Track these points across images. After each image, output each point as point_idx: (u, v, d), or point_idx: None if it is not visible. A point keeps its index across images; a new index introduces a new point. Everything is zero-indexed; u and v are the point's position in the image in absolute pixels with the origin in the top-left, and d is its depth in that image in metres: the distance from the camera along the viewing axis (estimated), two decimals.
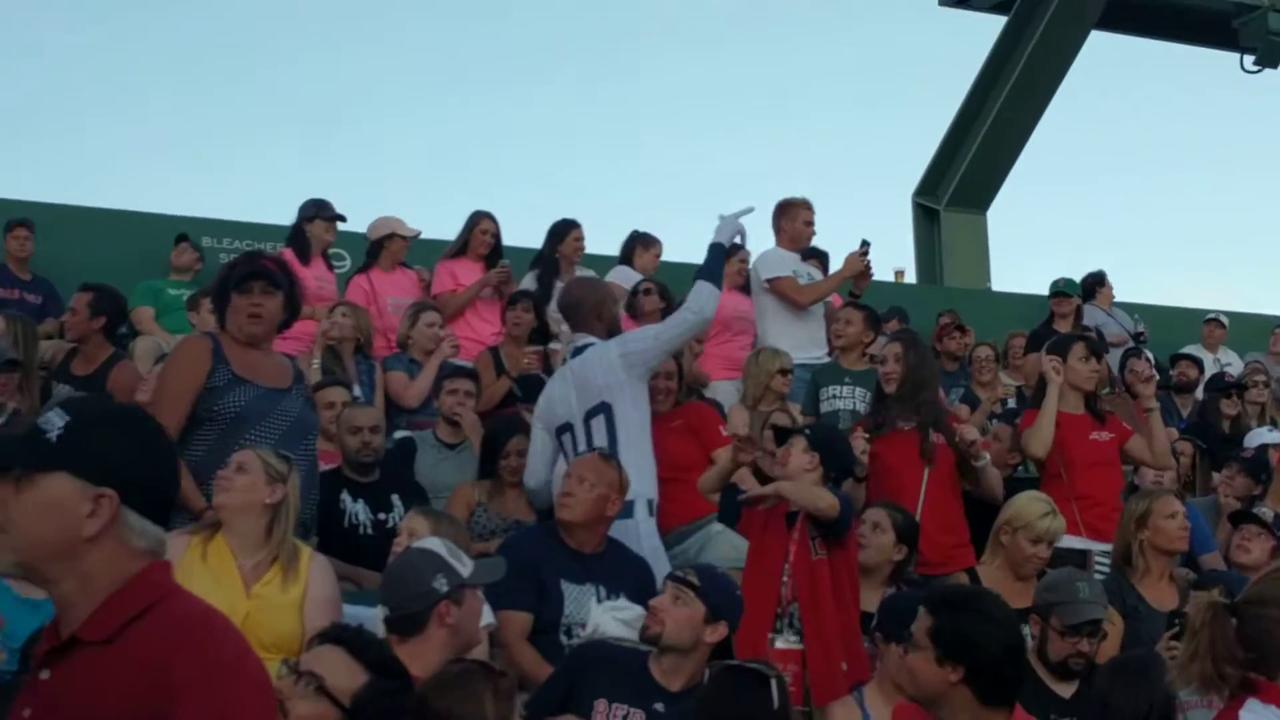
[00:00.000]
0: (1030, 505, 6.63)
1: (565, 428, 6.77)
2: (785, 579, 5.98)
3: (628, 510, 6.39)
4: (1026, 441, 7.57)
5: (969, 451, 7.22)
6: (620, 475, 6.13)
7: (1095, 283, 13.74)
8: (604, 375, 6.67)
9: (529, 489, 7.10)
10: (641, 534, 6.47)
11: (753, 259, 9.88)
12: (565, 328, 8.18)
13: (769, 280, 9.73)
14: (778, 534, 6.07)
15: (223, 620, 2.89)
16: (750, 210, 8.91)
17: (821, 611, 5.92)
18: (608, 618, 5.55)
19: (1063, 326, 11.33)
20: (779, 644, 5.80)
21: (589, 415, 6.66)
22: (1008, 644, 4.12)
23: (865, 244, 9.67)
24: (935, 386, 7.60)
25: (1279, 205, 35.34)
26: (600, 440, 6.59)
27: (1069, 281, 12.30)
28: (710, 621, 5.10)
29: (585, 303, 7.12)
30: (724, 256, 6.98)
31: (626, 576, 5.97)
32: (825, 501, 5.97)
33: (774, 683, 4.56)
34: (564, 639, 5.85)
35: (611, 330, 7.11)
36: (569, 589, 5.92)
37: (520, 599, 5.81)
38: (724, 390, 9.41)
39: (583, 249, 10.63)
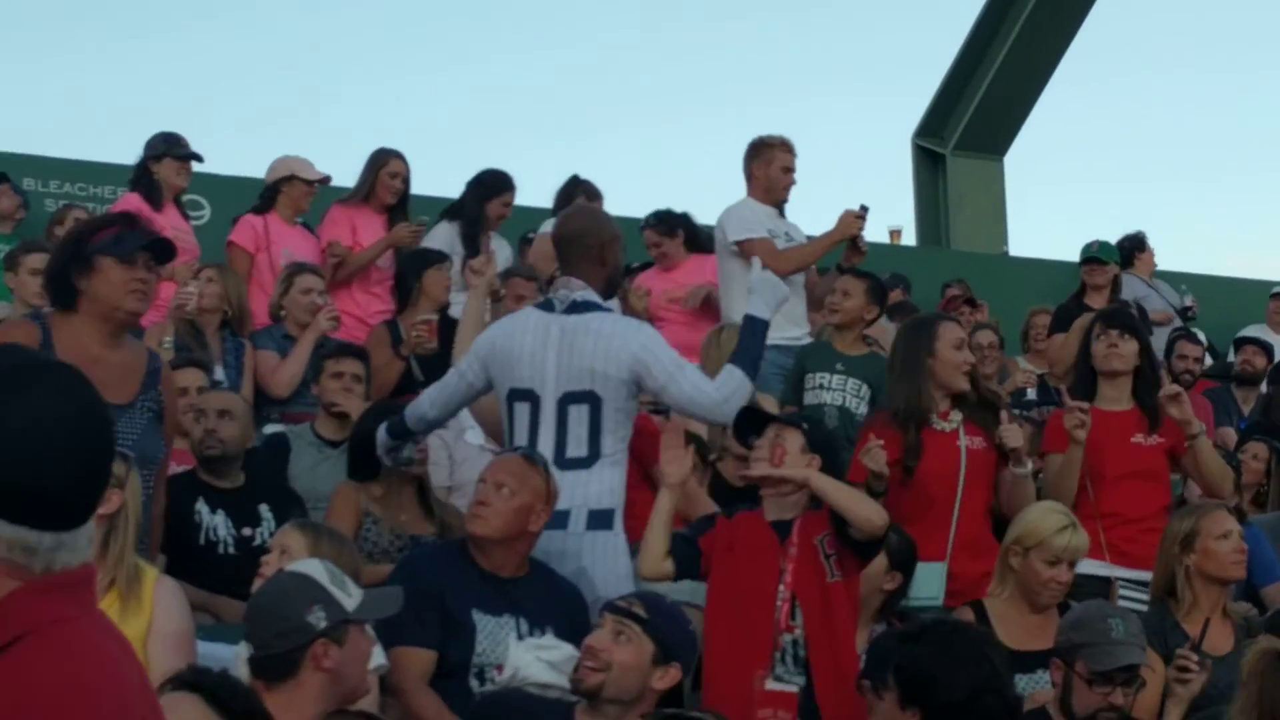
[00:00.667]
0: (1044, 519, 6.65)
1: (525, 395, 6.59)
2: (779, 603, 5.99)
3: (606, 521, 6.43)
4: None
5: (1012, 455, 7.29)
6: (548, 483, 6.13)
7: (1134, 247, 13.86)
8: (605, 362, 6.52)
9: (420, 415, 6.93)
10: (620, 550, 6.45)
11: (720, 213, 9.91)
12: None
13: (738, 242, 9.75)
14: (764, 549, 6.07)
15: (100, 691, 2.51)
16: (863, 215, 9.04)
17: (839, 645, 5.94)
18: (530, 658, 5.55)
19: (1096, 301, 11.34)
20: (770, 685, 5.81)
21: (568, 399, 6.56)
22: (973, 687, 4.17)
23: (864, 208, 9.68)
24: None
25: None
26: (578, 432, 6.51)
27: (1104, 245, 12.33)
28: (659, 663, 5.12)
29: (589, 238, 6.81)
30: (765, 335, 6.81)
31: (553, 606, 5.97)
32: (875, 511, 5.97)
33: None
34: (475, 684, 5.84)
35: (612, 282, 6.93)
36: (482, 621, 5.91)
37: (421, 633, 5.80)
38: None
39: (508, 216, 10.71)
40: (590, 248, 6.78)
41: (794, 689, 5.80)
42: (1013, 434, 7.31)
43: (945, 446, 7.37)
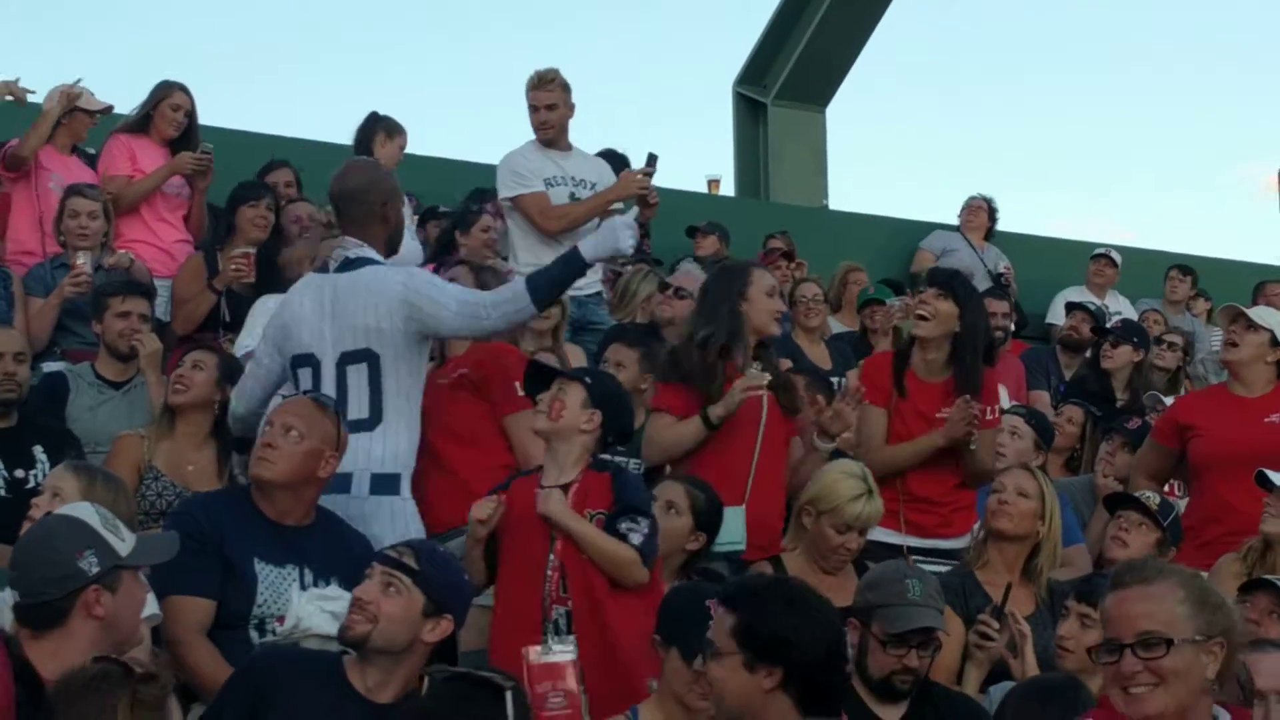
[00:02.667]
0: (839, 484, 6.74)
1: (307, 360, 6.62)
2: (549, 573, 6.03)
3: (392, 485, 6.44)
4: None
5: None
6: (339, 428, 6.11)
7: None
8: (376, 315, 6.54)
9: (234, 415, 6.99)
10: (409, 514, 6.48)
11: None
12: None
13: (508, 199, 9.77)
14: (537, 518, 6.09)
15: None
16: (650, 171, 8.95)
17: (604, 615, 5.97)
18: (313, 608, 5.53)
19: (881, 344, 11.19)
20: (541, 658, 5.80)
21: (346, 359, 6.56)
22: (829, 642, 4.25)
23: (652, 159, 9.58)
24: None
25: (1175, 120, 36.23)
26: (358, 394, 6.51)
27: (881, 286, 12.23)
28: (431, 615, 5.11)
29: (369, 195, 6.81)
30: (575, 274, 6.85)
31: (340, 556, 5.93)
32: (623, 572, 5.98)
33: (510, 695, 4.59)
34: (255, 635, 5.81)
35: (394, 240, 6.91)
36: (264, 570, 5.86)
37: (198, 581, 5.75)
38: None
39: (290, 195, 10.68)
40: (372, 205, 6.80)
41: (567, 658, 5.80)
42: (841, 418, 7.38)
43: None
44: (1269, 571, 6.70)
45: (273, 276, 9.13)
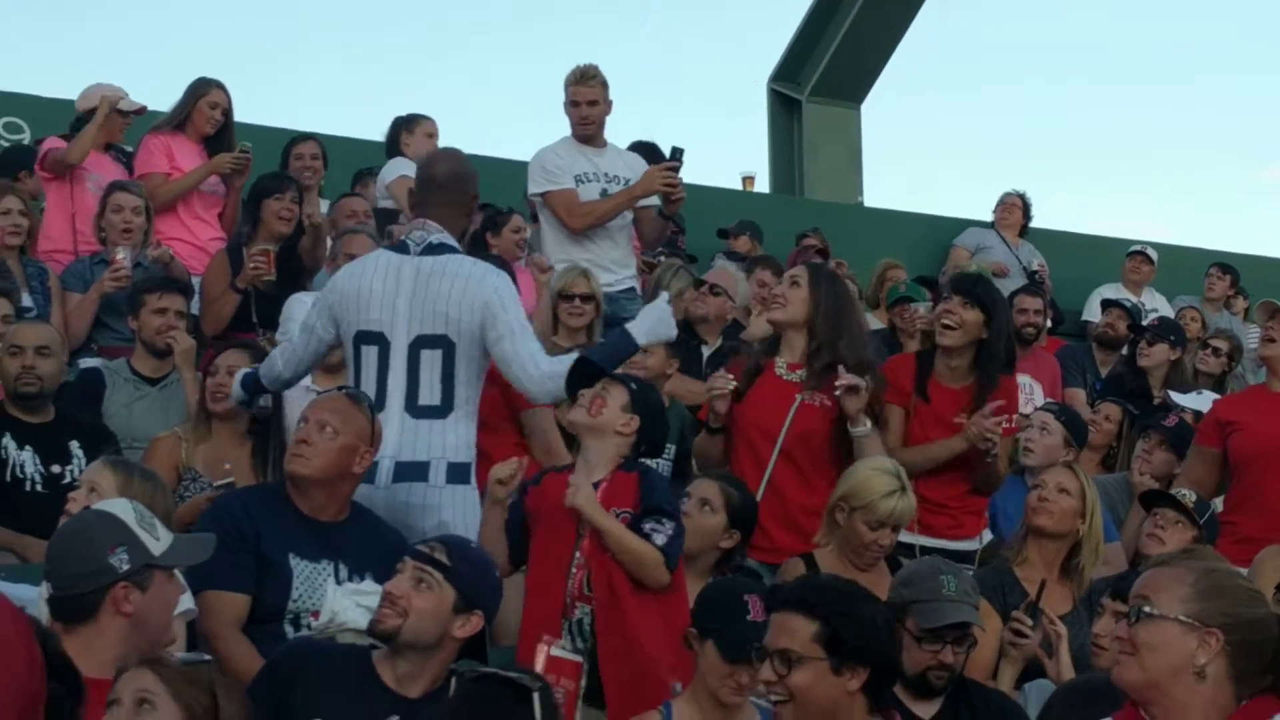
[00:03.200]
0: (873, 480, 6.71)
1: (374, 338, 6.57)
2: (573, 570, 6.04)
3: (465, 475, 6.45)
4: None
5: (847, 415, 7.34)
6: (373, 423, 6.13)
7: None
8: (459, 307, 6.53)
9: (276, 376, 6.90)
10: (479, 504, 6.44)
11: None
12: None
13: (538, 195, 9.78)
14: (566, 514, 6.07)
15: None
16: (674, 165, 8.96)
17: (628, 613, 5.96)
18: (348, 603, 5.54)
19: (909, 345, 11.17)
20: (553, 651, 5.83)
21: (421, 343, 6.53)
22: (893, 641, 4.29)
23: (677, 153, 9.53)
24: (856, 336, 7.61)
25: (1213, 118, 36.14)
26: (430, 379, 6.51)
27: (912, 285, 12.05)
28: (461, 611, 5.11)
29: (467, 185, 6.84)
30: (627, 355, 6.86)
31: (375, 551, 5.94)
32: (648, 572, 5.96)
33: (536, 697, 4.60)
34: (290, 630, 5.84)
35: (466, 230, 6.94)
36: (299, 566, 5.90)
37: (234, 577, 5.78)
38: None
39: (315, 168, 10.91)
40: (459, 195, 6.82)
41: (578, 659, 5.84)
42: (850, 392, 7.27)
43: (779, 392, 7.43)
44: None
45: (297, 271, 9.18)
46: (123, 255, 8.78)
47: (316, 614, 5.71)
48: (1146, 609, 4.16)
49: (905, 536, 7.40)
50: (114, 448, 7.12)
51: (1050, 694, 6.05)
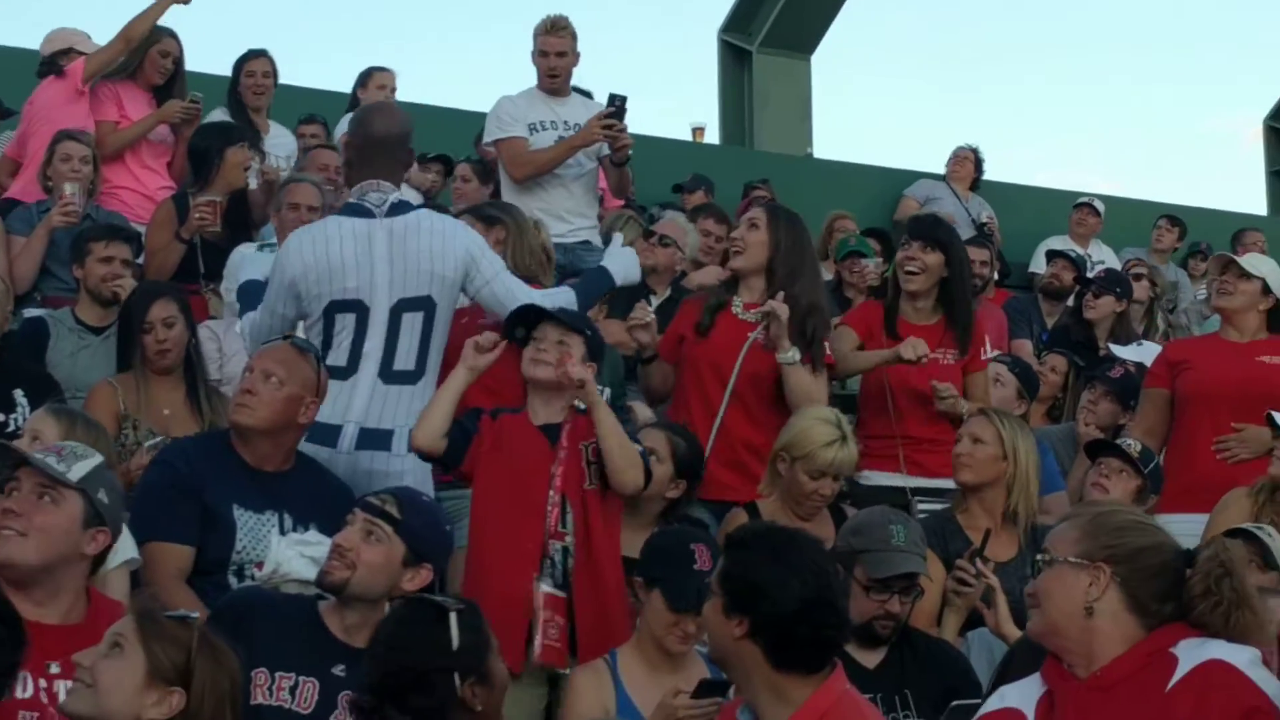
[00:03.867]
0: (813, 429, 6.73)
1: (351, 305, 6.48)
2: (550, 508, 5.99)
3: (381, 440, 6.39)
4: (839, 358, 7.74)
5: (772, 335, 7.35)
6: (319, 373, 6.09)
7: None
8: (443, 262, 6.50)
9: (245, 334, 6.88)
10: (395, 472, 6.37)
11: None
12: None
13: (490, 143, 9.78)
14: (534, 453, 6.06)
15: None
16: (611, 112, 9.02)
17: (595, 551, 5.96)
18: (292, 554, 5.54)
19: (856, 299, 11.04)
20: (552, 589, 5.83)
21: (404, 306, 6.48)
22: (805, 596, 4.24)
23: (614, 100, 9.41)
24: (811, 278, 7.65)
25: (1159, 74, 36.21)
26: (408, 344, 6.47)
27: (861, 239, 12.11)
28: (410, 564, 5.12)
29: (396, 141, 6.73)
30: (606, 291, 7.08)
31: (319, 502, 5.93)
32: (635, 470, 6.00)
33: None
34: (234, 580, 5.81)
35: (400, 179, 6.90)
36: (243, 517, 5.87)
37: (177, 528, 5.75)
38: None
39: (265, 87, 10.74)
40: (401, 151, 6.79)
41: (562, 595, 5.84)
42: (776, 306, 7.29)
43: (734, 331, 7.46)
44: (1278, 512, 6.79)
45: (245, 222, 9.11)
46: (70, 190, 8.70)
47: (261, 565, 5.68)
48: (1044, 557, 4.26)
49: (895, 479, 7.49)
50: (58, 396, 7.08)
51: (1015, 642, 6.05)
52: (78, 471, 4.91)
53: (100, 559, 5.05)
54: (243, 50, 10.95)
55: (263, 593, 5.36)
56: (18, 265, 8.63)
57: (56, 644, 4.66)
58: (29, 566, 4.84)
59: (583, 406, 6.08)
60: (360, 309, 6.48)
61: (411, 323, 6.49)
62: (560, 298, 6.73)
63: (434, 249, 6.50)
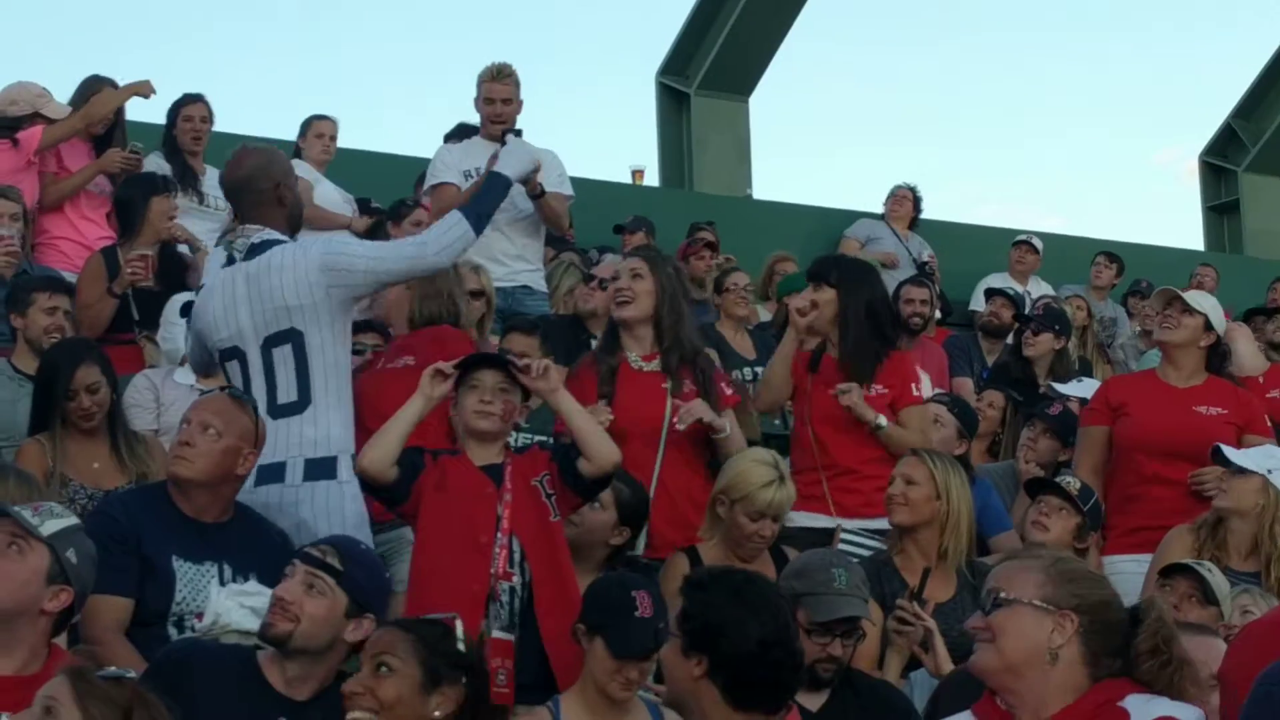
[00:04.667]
0: (750, 472, 6.77)
1: (232, 354, 6.55)
2: (497, 550, 5.99)
3: (328, 469, 6.36)
4: (756, 393, 7.79)
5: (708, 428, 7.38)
6: (257, 424, 6.06)
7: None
8: (298, 292, 6.46)
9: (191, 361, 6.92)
10: (346, 497, 6.38)
11: None
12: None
13: (427, 189, 9.97)
14: (477, 495, 6.05)
15: None
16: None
17: (566, 585, 5.96)
18: (232, 604, 5.51)
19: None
20: (499, 633, 5.81)
21: (271, 342, 6.49)
22: (763, 637, 4.27)
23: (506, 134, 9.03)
24: (690, 319, 7.71)
25: (1099, 107, 36.44)
26: (285, 376, 6.46)
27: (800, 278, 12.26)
28: (353, 615, 5.10)
29: (259, 181, 6.73)
30: (503, 193, 6.89)
31: (259, 552, 5.90)
32: (611, 447, 6.04)
33: (458, 623, 4.67)
34: (174, 632, 5.77)
35: (294, 220, 6.84)
36: (182, 568, 5.83)
37: (115, 580, 5.67)
38: None
39: (202, 134, 10.72)
40: (264, 191, 6.72)
41: (511, 638, 5.82)
42: (696, 409, 7.35)
43: (644, 387, 7.46)
44: (1219, 546, 6.92)
45: (177, 271, 9.08)
46: (7, 232, 8.69)
47: (201, 616, 5.66)
48: (1002, 594, 4.22)
49: (821, 520, 7.50)
50: None
51: (937, 684, 6.07)
52: (50, 527, 4.91)
53: (67, 617, 5.03)
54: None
55: (200, 645, 5.32)
56: None
57: (8, 694, 4.62)
58: None
59: (523, 442, 6.11)
60: (239, 355, 6.54)
61: (283, 356, 6.48)
62: (447, 224, 6.63)
63: (284, 284, 6.47)
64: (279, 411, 6.37)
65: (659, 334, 7.48)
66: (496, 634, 5.78)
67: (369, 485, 6.13)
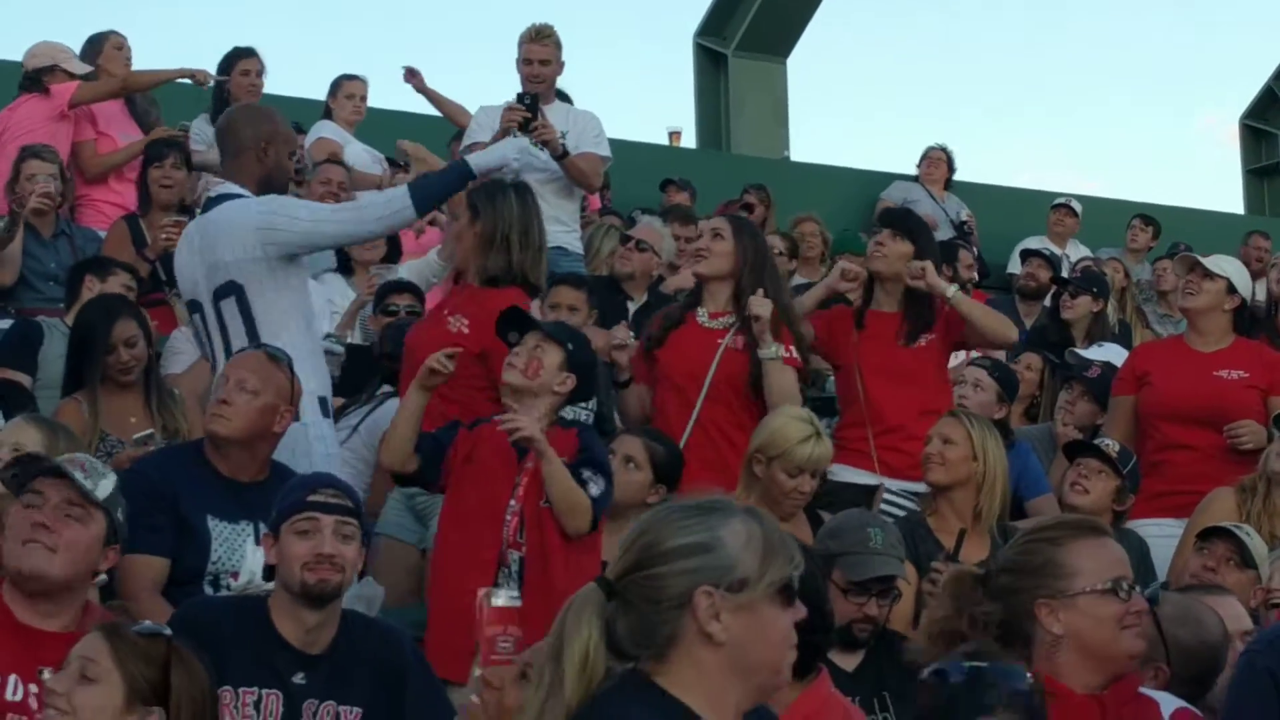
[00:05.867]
0: (787, 427, 6.73)
1: (194, 305, 6.71)
2: (509, 518, 6.02)
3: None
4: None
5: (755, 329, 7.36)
6: (293, 381, 6.08)
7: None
8: (232, 249, 6.56)
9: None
10: (312, 439, 6.44)
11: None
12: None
13: (462, 149, 9.71)
14: (502, 464, 6.08)
15: None
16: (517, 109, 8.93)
17: (551, 564, 5.97)
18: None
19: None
20: (497, 600, 5.80)
21: (218, 295, 6.60)
22: (806, 592, 4.24)
23: (524, 100, 9.32)
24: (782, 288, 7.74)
25: (1141, 69, 36.21)
26: (235, 327, 6.54)
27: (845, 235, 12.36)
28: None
29: (243, 134, 6.84)
30: (459, 182, 6.92)
31: None
32: (585, 509, 6.02)
33: None
34: (210, 590, 5.80)
35: (270, 182, 6.86)
36: (218, 527, 5.86)
37: (152, 540, 5.72)
38: None
39: (258, 87, 10.59)
40: (244, 140, 6.83)
41: (517, 604, 5.80)
42: (759, 303, 7.30)
43: (702, 340, 7.44)
44: (1270, 510, 6.91)
45: None
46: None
47: (236, 575, 5.69)
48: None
49: (867, 477, 7.54)
50: (32, 407, 7.03)
51: None
52: (103, 490, 4.96)
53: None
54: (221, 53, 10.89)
55: (211, 603, 5.37)
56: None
57: (52, 651, 4.63)
58: (53, 581, 4.86)
59: (563, 421, 6.12)
60: (199, 307, 6.68)
61: (229, 309, 6.59)
62: (385, 197, 6.88)
63: (220, 238, 6.60)
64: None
65: (736, 295, 7.46)
66: (499, 602, 5.75)
67: (399, 478, 6.27)
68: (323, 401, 6.61)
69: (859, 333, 7.83)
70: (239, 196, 6.69)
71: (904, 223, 8.04)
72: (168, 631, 4.27)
